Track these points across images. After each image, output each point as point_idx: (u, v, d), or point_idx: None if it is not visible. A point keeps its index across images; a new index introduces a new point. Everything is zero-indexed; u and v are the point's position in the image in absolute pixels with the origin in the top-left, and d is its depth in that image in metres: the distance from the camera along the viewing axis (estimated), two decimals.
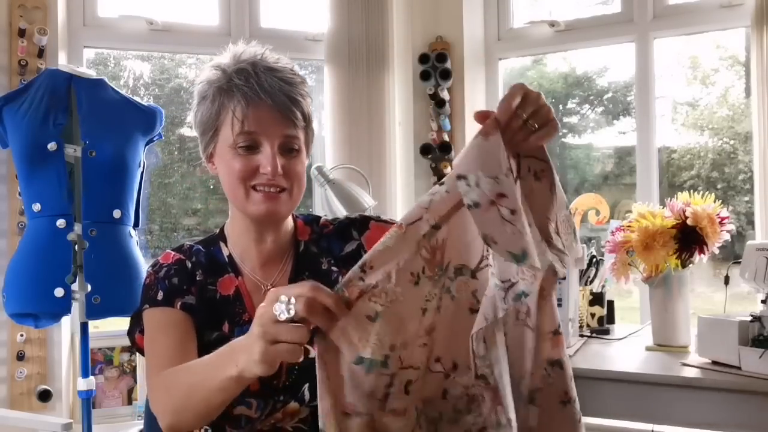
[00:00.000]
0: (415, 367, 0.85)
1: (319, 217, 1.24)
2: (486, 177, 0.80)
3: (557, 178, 0.87)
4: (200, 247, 1.17)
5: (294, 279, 1.15)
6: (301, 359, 0.82)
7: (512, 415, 0.82)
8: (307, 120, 1.10)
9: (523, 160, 0.86)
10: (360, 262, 0.83)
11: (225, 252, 1.16)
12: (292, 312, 0.79)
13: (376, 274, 0.83)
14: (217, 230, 1.21)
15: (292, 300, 0.80)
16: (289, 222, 1.19)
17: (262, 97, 1.04)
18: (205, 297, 1.11)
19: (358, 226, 1.20)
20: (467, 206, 0.81)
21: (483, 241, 0.82)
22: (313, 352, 1.07)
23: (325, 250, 1.19)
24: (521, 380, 0.87)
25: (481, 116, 0.83)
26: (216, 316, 1.10)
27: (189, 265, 1.14)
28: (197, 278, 1.12)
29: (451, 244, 0.84)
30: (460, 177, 0.81)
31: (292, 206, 1.12)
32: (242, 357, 0.84)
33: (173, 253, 1.16)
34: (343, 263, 1.17)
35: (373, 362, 0.81)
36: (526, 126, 0.83)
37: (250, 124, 1.05)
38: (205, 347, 1.07)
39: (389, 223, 1.20)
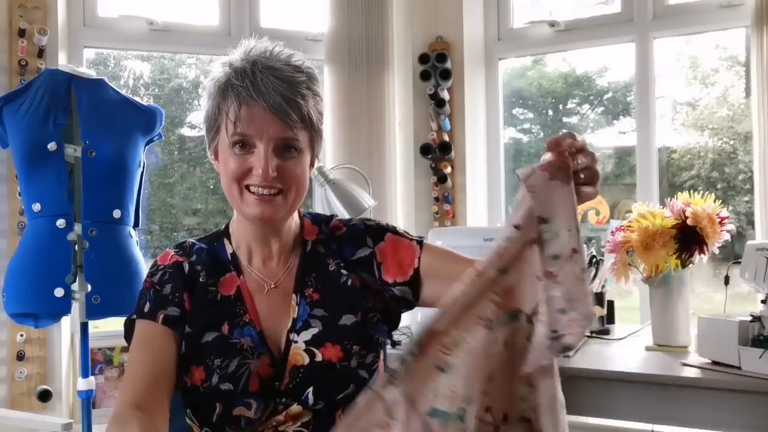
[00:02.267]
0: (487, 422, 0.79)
1: (330, 218, 1.22)
2: (565, 229, 0.77)
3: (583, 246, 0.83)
4: (203, 245, 1.17)
5: (301, 278, 1.14)
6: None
7: None
8: (306, 121, 1.07)
9: None
10: (438, 310, 0.80)
11: (228, 249, 1.16)
12: None
13: (447, 319, 0.79)
14: (223, 226, 1.20)
15: None
16: (295, 221, 1.18)
17: (254, 97, 1.02)
18: (205, 299, 1.11)
19: (374, 235, 1.18)
20: (551, 257, 0.77)
21: (565, 302, 0.76)
22: (319, 356, 1.05)
23: (335, 251, 1.17)
24: None
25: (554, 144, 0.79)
26: (216, 317, 1.10)
27: (186, 267, 1.13)
28: (200, 280, 1.12)
29: (518, 288, 0.80)
30: (543, 220, 0.77)
31: (290, 209, 1.10)
32: None
33: (172, 252, 1.16)
34: (354, 267, 1.15)
35: (448, 416, 0.75)
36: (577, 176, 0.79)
37: (242, 126, 1.04)
38: (203, 348, 1.07)
39: (404, 237, 1.18)
